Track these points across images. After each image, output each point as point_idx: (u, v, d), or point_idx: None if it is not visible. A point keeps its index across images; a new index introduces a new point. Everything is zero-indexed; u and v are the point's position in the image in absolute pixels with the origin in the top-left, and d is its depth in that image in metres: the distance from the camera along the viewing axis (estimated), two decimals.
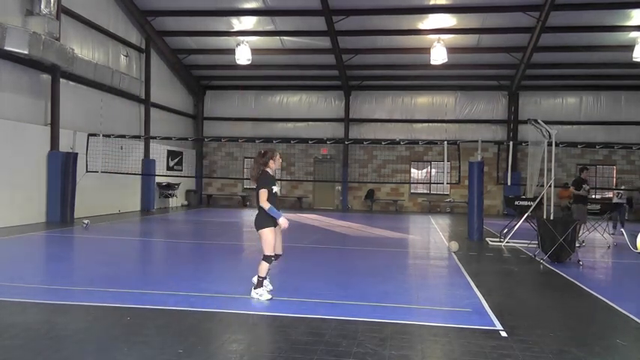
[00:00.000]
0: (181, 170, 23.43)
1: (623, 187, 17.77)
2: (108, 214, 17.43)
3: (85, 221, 13.87)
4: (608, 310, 6.15)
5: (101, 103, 17.16)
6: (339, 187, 24.21)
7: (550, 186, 10.52)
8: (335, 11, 18.57)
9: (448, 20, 19.08)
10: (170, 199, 22.09)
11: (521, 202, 12.08)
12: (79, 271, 8.53)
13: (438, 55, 19.23)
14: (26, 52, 12.94)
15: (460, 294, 6.80)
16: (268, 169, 6.14)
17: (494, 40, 20.13)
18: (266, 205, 5.91)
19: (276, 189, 6.08)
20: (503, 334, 5.02)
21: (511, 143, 15.21)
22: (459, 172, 15.06)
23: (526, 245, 11.36)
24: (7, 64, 13.48)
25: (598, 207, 14.15)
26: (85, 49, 16.58)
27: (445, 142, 14.90)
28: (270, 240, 6.01)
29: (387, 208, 24.25)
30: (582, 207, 11.81)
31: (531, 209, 11.55)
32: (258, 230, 6.04)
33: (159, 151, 21.15)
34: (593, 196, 16.15)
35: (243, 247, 11.77)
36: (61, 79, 15.19)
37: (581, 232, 12.29)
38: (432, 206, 23.69)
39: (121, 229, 14.25)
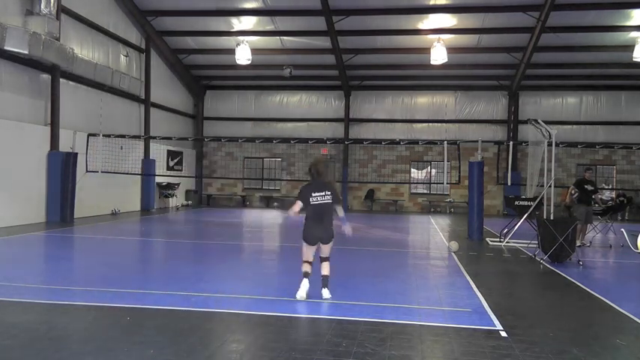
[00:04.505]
0: (181, 170, 23.42)
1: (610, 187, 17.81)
2: (107, 214, 17.43)
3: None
4: (608, 310, 6.14)
5: (101, 103, 17.15)
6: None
7: (550, 186, 10.51)
8: (335, 11, 18.57)
9: (448, 20, 19.07)
10: (170, 198, 22.09)
11: (521, 202, 12.07)
12: (78, 270, 8.53)
13: (438, 55, 19.23)
14: (26, 52, 12.95)
15: (460, 294, 6.80)
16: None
17: (494, 40, 20.13)
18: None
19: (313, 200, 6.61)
20: (503, 334, 5.02)
21: (511, 143, 15.20)
22: (459, 172, 15.05)
23: (526, 245, 11.35)
24: (7, 64, 13.48)
25: (600, 208, 14.10)
26: (85, 49, 16.57)
27: (445, 142, 14.89)
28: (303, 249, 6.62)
29: (387, 208, 24.24)
30: (585, 207, 11.75)
31: (531, 209, 11.53)
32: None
33: (159, 151, 21.14)
34: (601, 197, 16.09)
35: (243, 247, 11.76)
36: (61, 79, 15.19)
37: (587, 232, 12.30)
38: (432, 206, 23.71)
39: (120, 229, 14.24)
